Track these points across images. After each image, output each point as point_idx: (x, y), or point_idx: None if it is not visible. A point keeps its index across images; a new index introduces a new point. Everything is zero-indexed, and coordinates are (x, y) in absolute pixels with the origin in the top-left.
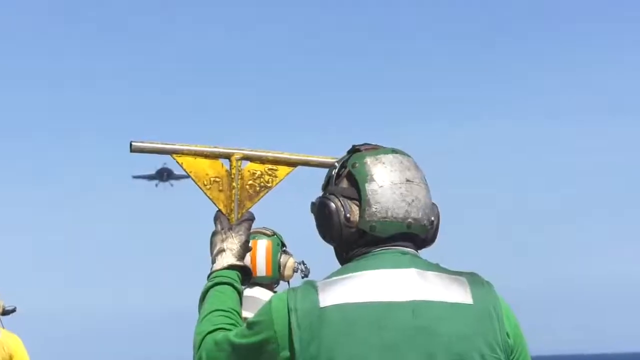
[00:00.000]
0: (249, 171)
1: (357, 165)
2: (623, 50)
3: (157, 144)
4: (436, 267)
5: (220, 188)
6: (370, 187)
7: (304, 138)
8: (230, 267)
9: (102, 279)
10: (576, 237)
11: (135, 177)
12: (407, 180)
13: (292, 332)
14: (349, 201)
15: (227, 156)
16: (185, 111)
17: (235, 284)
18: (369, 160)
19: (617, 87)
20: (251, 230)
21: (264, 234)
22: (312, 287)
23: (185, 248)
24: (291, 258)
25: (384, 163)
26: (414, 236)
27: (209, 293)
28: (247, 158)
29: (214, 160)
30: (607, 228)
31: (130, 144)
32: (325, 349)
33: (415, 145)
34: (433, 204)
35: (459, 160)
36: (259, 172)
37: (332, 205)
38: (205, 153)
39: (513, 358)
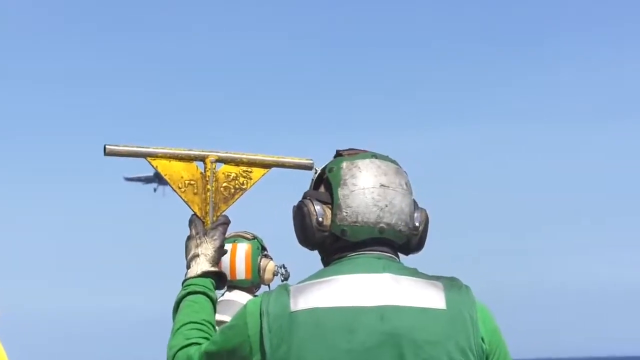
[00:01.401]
0: (223, 173)
1: (333, 169)
2: (620, 52)
3: (132, 147)
4: (412, 272)
5: (195, 191)
6: (342, 192)
7: (281, 140)
8: (205, 274)
9: (86, 282)
10: (564, 241)
11: (128, 179)
12: (382, 185)
13: (263, 336)
14: (323, 205)
15: (202, 158)
16: (175, 113)
17: (209, 293)
18: (345, 164)
19: (601, 92)
20: (232, 234)
21: (244, 237)
22: (284, 291)
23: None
24: (271, 262)
25: (359, 168)
26: (390, 241)
27: (182, 303)
28: (221, 160)
29: (188, 163)
30: (594, 232)
31: (104, 147)
32: (294, 352)
33: (392, 149)
34: (420, 210)
35: (441, 164)
36: (233, 174)
37: (305, 209)
38: (179, 156)
39: None
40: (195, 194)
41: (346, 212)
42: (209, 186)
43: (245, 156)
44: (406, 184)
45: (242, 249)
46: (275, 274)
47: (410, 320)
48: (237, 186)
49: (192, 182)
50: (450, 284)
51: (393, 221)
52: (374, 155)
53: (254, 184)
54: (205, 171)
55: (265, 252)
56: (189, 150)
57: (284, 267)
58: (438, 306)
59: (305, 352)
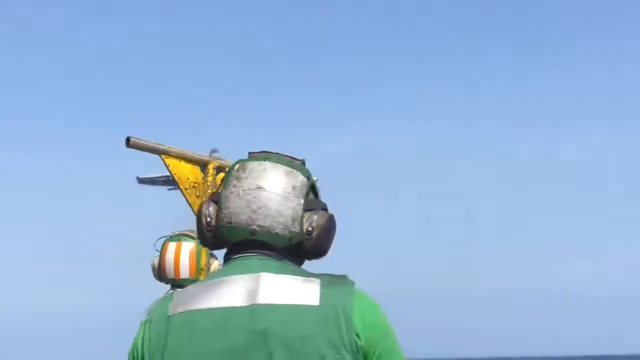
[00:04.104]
0: (221, 180)
1: (227, 171)
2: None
3: (151, 143)
4: (292, 271)
5: (197, 194)
6: (224, 193)
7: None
8: None
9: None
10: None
11: (142, 180)
12: (259, 188)
13: (144, 342)
14: (216, 206)
15: (205, 164)
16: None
17: None
18: (237, 166)
19: (556, 94)
20: (177, 233)
21: (190, 236)
22: (170, 297)
23: None
24: (216, 261)
25: (244, 169)
26: (265, 244)
27: None
28: (220, 168)
29: (194, 166)
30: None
31: (128, 139)
32: (169, 355)
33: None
34: (319, 213)
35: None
36: None
37: (200, 209)
38: (188, 157)
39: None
40: (197, 196)
41: (224, 213)
42: (209, 191)
43: None
44: (294, 188)
45: (187, 248)
46: None
47: (281, 318)
48: None
49: (195, 184)
50: (330, 281)
51: (267, 223)
52: (267, 158)
53: None
54: (206, 176)
55: (211, 252)
56: (195, 153)
57: None
58: (311, 303)
59: (179, 354)
